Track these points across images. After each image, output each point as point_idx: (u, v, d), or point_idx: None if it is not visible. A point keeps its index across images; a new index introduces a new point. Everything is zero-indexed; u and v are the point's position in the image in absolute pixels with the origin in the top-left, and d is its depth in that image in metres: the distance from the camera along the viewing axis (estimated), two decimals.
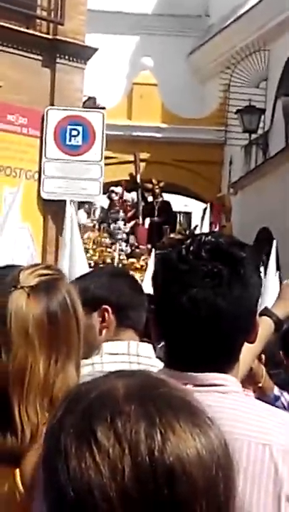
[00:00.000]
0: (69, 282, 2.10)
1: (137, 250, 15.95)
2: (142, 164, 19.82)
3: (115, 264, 13.79)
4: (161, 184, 18.62)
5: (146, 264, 13.98)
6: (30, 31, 12.97)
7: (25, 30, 12.84)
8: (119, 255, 14.94)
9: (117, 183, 18.24)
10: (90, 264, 14.34)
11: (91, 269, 5.05)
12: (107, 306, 2.64)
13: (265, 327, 2.64)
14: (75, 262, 7.61)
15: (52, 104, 13.15)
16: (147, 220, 18.32)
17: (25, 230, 12.69)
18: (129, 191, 19.09)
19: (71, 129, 13.26)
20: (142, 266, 13.93)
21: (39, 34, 13.07)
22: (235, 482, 1.03)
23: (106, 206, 17.95)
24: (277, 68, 18.97)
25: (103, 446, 0.96)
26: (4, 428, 1.88)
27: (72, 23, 13.30)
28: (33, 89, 12.83)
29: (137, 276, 6.12)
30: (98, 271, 3.69)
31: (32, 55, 12.94)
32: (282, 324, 2.87)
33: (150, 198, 18.81)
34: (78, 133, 13.33)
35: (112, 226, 17.01)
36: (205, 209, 12.64)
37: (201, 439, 0.99)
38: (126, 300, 2.68)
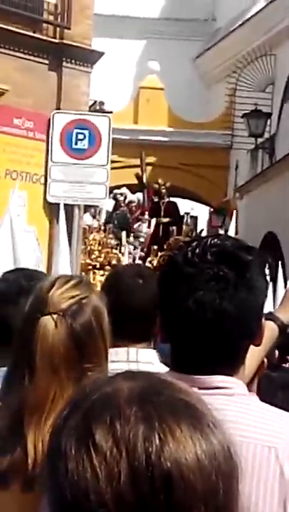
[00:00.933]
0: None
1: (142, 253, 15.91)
2: (148, 168, 19.84)
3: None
4: (168, 184, 18.61)
5: (153, 265, 13.95)
6: (37, 35, 12.97)
7: (32, 34, 12.85)
8: (130, 258, 14.82)
9: (121, 187, 18.29)
10: (94, 265, 14.32)
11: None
12: None
13: (269, 331, 2.64)
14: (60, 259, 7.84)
15: (58, 108, 13.15)
16: (153, 221, 18.26)
17: (31, 233, 12.68)
18: (134, 192, 19.10)
19: (77, 133, 13.25)
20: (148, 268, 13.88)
21: (46, 38, 13.08)
22: (238, 489, 1.00)
23: (111, 209, 17.95)
24: (284, 72, 18.96)
25: (101, 449, 0.95)
26: (17, 454, 1.85)
27: (79, 27, 13.31)
28: (40, 93, 12.83)
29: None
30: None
31: (38, 59, 12.94)
32: (287, 328, 2.86)
33: (156, 199, 18.80)
34: (84, 137, 13.32)
35: (134, 228, 16.97)
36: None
37: (202, 444, 0.97)
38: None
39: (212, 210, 20.85)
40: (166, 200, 18.85)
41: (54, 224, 13.31)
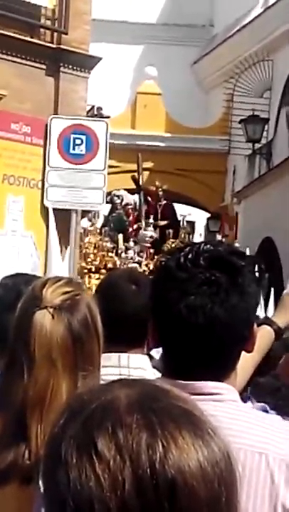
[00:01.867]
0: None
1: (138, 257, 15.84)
2: (146, 173, 19.85)
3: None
4: (164, 187, 18.60)
5: (149, 268, 13.93)
6: (35, 40, 12.98)
7: (30, 39, 12.86)
8: (128, 263, 14.76)
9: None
10: (90, 269, 14.23)
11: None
12: None
13: (265, 336, 2.63)
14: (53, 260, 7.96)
15: (56, 113, 13.15)
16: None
17: (29, 238, 12.69)
18: (133, 194, 19.06)
19: (75, 138, 13.25)
20: (144, 271, 13.85)
21: (43, 43, 13.09)
22: (238, 495, 1.00)
23: (107, 214, 17.90)
24: (281, 78, 19.00)
25: (104, 458, 0.95)
26: (21, 448, 1.86)
27: (77, 32, 13.32)
28: (37, 98, 12.84)
29: None
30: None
31: (36, 64, 12.95)
32: (283, 333, 2.86)
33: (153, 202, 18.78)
34: (82, 142, 13.32)
35: (140, 232, 16.90)
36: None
37: (204, 451, 0.97)
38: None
39: (210, 216, 20.87)
40: (164, 202, 18.84)
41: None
